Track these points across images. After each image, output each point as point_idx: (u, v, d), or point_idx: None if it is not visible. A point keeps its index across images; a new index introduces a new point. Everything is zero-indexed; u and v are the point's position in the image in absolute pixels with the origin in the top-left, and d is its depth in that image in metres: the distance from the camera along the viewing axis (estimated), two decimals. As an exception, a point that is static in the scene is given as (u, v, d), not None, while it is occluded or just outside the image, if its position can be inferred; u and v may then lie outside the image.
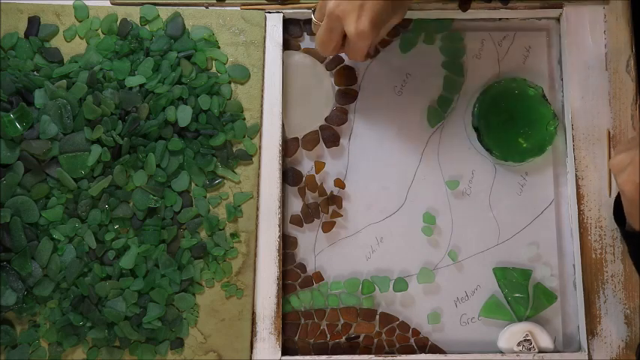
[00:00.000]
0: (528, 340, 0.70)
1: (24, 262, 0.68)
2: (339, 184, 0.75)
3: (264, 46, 0.75)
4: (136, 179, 0.70)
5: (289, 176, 0.75)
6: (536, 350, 0.70)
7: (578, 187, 0.72)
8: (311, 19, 0.70)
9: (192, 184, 0.72)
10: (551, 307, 0.73)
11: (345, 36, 0.65)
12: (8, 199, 0.68)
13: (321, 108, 0.76)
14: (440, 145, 0.76)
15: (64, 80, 0.70)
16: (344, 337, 0.73)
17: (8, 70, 0.71)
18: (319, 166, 0.75)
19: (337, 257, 0.74)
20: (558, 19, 0.77)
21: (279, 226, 0.72)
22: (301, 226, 0.74)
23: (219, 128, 0.72)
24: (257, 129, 0.73)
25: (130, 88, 0.71)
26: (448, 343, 0.73)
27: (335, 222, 0.74)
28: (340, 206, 0.75)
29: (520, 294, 0.72)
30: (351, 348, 0.73)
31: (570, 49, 0.75)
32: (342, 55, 0.77)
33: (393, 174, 0.75)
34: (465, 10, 0.74)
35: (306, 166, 0.76)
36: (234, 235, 0.72)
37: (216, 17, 0.75)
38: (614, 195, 0.72)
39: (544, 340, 0.71)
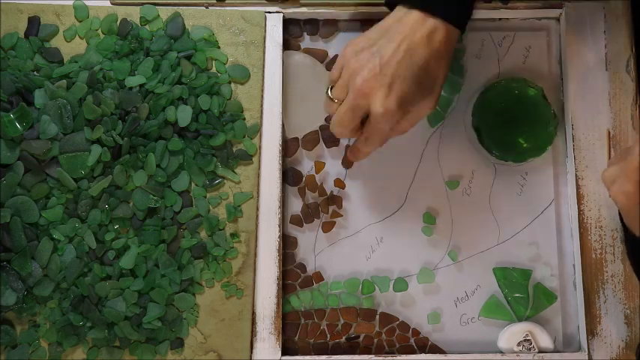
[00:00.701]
0: (528, 340, 0.70)
1: (24, 262, 0.68)
2: (339, 184, 0.75)
3: (264, 46, 0.74)
4: (136, 179, 0.70)
5: (289, 176, 0.75)
6: (536, 350, 0.70)
7: (578, 187, 0.72)
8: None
9: (192, 184, 0.72)
10: (551, 307, 0.73)
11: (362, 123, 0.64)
12: (8, 199, 0.68)
13: (321, 108, 0.76)
14: (440, 145, 0.76)
15: (64, 80, 0.70)
16: (344, 337, 0.73)
17: (8, 70, 0.71)
18: (319, 166, 0.75)
19: (337, 257, 0.74)
20: (558, 19, 0.77)
21: (279, 226, 0.72)
22: (301, 226, 0.74)
23: (219, 128, 0.72)
24: (257, 129, 0.73)
25: (130, 88, 0.71)
26: (448, 343, 0.73)
27: (335, 222, 0.74)
28: (340, 206, 0.75)
29: (520, 294, 0.72)
30: (351, 348, 0.72)
31: (570, 49, 0.75)
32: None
33: (393, 174, 0.75)
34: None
35: (306, 166, 0.76)
36: (234, 235, 0.72)
37: (216, 17, 0.75)
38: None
39: (544, 340, 0.71)
